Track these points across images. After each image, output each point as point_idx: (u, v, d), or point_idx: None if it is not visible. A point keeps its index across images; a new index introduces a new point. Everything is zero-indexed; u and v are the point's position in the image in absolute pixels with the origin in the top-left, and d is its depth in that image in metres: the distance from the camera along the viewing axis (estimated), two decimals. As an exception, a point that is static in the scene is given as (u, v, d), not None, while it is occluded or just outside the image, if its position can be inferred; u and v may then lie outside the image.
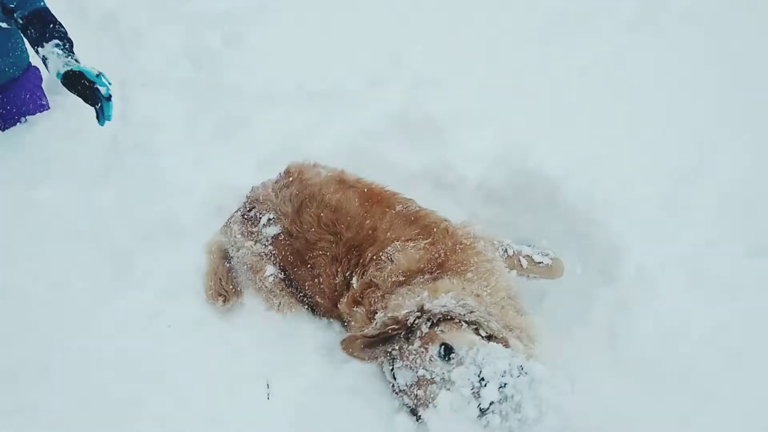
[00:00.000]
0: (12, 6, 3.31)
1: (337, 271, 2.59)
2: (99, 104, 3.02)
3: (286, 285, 2.79)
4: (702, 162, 2.83)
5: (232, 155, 3.40)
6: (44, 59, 3.20)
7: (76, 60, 3.17)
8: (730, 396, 2.21)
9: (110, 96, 3.01)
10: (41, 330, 2.63)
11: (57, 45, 3.17)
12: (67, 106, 3.93)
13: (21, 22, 3.30)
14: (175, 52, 4.21)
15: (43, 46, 3.18)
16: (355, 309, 2.44)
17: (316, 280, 2.65)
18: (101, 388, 2.43)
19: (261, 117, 3.57)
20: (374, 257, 2.50)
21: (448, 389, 2.12)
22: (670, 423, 2.20)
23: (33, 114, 3.77)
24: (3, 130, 3.69)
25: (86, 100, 3.08)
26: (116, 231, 3.05)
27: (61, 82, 3.10)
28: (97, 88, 2.99)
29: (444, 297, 2.27)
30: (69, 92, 3.14)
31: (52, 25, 3.28)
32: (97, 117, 3.07)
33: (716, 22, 3.67)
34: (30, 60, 3.85)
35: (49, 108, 3.88)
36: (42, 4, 3.39)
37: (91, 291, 2.78)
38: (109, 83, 3.03)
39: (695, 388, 2.23)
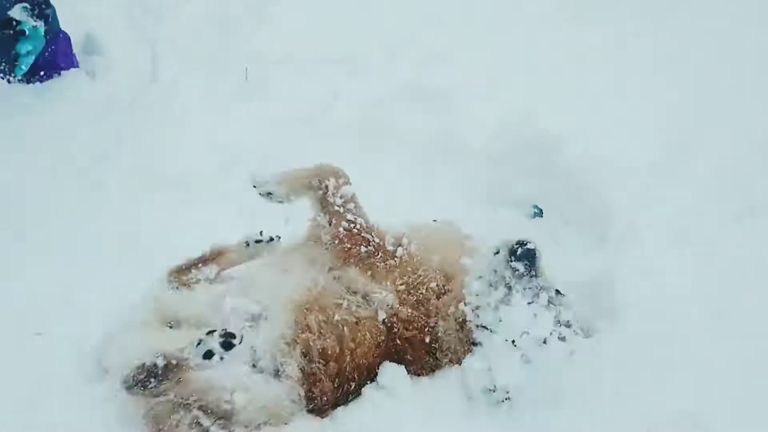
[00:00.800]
0: None
1: None
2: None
3: None
4: (693, 130, 2.95)
5: (250, 117, 3.59)
6: None
7: None
8: (711, 349, 2.32)
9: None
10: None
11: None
12: (97, 65, 4.23)
13: None
14: (201, 21, 4.42)
15: None
16: None
17: None
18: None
19: (279, 82, 3.75)
20: None
21: None
22: (654, 371, 2.30)
23: (66, 70, 4.06)
24: (42, 82, 3.99)
25: None
26: (136, 180, 3.24)
27: None
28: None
29: None
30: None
31: None
32: None
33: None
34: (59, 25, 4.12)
35: (78, 66, 4.17)
36: None
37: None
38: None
39: (678, 341, 2.34)
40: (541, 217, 3.24)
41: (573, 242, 2.88)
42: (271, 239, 2.69)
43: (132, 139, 3.49)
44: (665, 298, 2.42)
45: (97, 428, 2.11)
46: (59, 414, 2.15)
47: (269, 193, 2.54)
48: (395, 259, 2.43)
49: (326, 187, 2.48)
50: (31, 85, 4.02)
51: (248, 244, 2.67)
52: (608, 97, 3.21)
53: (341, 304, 2.31)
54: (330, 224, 2.46)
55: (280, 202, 2.57)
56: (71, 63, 4.18)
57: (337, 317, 2.28)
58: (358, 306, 2.32)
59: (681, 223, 2.65)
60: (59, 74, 4.09)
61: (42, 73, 4.04)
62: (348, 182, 2.53)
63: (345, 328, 2.27)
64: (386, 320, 2.32)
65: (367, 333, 2.29)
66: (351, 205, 2.47)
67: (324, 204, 2.48)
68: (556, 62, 3.52)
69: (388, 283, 2.38)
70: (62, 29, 4.09)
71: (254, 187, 2.56)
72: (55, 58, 4.09)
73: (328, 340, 2.24)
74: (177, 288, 2.47)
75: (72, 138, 3.51)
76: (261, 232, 2.71)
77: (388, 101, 3.56)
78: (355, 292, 2.35)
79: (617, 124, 3.04)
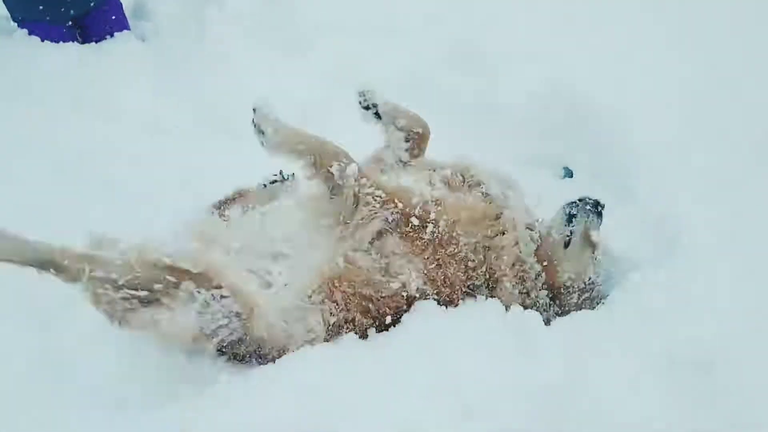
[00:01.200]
0: None
1: None
2: None
3: None
4: (719, 87, 3.06)
5: (298, 73, 3.77)
6: None
7: None
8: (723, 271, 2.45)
9: None
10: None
11: None
12: (147, 29, 4.47)
13: None
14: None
15: None
16: None
17: None
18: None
19: (325, 44, 3.92)
20: None
21: None
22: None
23: (120, 31, 4.32)
24: (97, 42, 4.26)
25: None
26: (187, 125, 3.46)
27: None
28: None
29: None
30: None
31: None
32: None
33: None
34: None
35: (129, 29, 4.42)
36: None
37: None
38: None
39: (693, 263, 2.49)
40: (571, 177, 3.39)
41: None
42: (285, 179, 2.81)
43: (184, 88, 3.69)
44: (691, 246, 2.54)
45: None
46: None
47: (261, 132, 2.35)
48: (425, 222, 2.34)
49: (331, 173, 2.29)
50: (86, 45, 4.29)
51: (265, 186, 2.84)
52: (636, 61, 3.32)
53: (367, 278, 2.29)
54: (353, 205, 2.30)
55: (264, 146, 2.36)
56: (124, 26, 4.44)
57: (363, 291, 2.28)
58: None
59: (708, 180, 2.77)
60: (112, 35, 4.35)
61: (96, 35, 4.31)
62: (351, 161, 2.34)
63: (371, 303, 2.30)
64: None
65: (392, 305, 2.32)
66: (363, 180, 2.31)
67: (337, 189, 2.30)
68: (590, 27, 3.64)
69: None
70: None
71: (253, 110, 2.37)
72: (108, 20, 4.35)
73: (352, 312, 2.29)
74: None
75: (129, 88, 3.73)
76: (280, 172, 2.87)
77: (426, 64, 3.71)
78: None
79: (644, 87, 3.15)
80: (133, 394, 2.19)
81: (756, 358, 2.13)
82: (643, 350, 2.17)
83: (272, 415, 1.98)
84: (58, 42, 4.13)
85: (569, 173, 3.41)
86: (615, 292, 2.50)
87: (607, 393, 2.08)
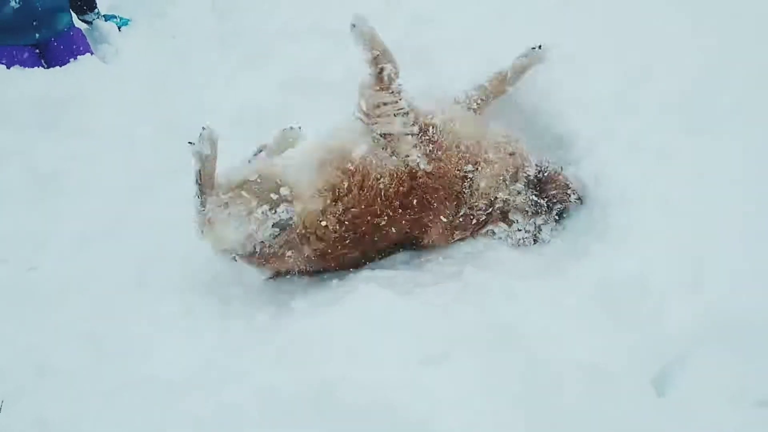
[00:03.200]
0: None
1: None
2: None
3: None
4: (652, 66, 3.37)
5: (255, 82, 4.00)
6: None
7: None
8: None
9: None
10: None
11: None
12: (109, 51, 4.70)
13: None
14: (202, 7, 4.86)
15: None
16: None
17: None
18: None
19: (280, 52, 4.15)
20: None
21: None
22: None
23: (83, 54, 4.56)
24: (61, 66, 4.51)
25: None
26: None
27: None
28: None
29: None
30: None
31: None
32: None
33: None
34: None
35: (93, 52, 4.65)
36: None
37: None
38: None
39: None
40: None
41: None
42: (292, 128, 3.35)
43: (148, 105, 3.91)
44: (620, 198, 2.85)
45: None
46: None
47: (353, 25, 3.13)
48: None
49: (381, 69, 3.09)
50: (51, 69, 4.49)
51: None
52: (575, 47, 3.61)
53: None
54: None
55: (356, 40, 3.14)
56: (87, 49, 4.67)
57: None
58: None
59: (635, 139, 3.08)
60: (76, 59, 4.56)
61: (60, 59, 4.53)
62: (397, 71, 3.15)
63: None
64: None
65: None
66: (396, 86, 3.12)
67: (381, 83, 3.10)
68: (528, 20, 3.92)
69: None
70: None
71: (353, 26, 3.12)
72: (72, 44, 4.58)
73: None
74: None
75: (98, 108, 3.95)
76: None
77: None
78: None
79: (580, 63, 3.45)
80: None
81: (677, 288, 2.45)
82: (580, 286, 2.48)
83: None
84: (24, 67, 4.32)
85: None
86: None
87: (553, 329, 2.36)
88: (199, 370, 2.52)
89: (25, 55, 4.45)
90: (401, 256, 3.18)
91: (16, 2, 4.29)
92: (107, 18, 4.97)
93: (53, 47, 4.58)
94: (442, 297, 2.67)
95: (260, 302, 3.01)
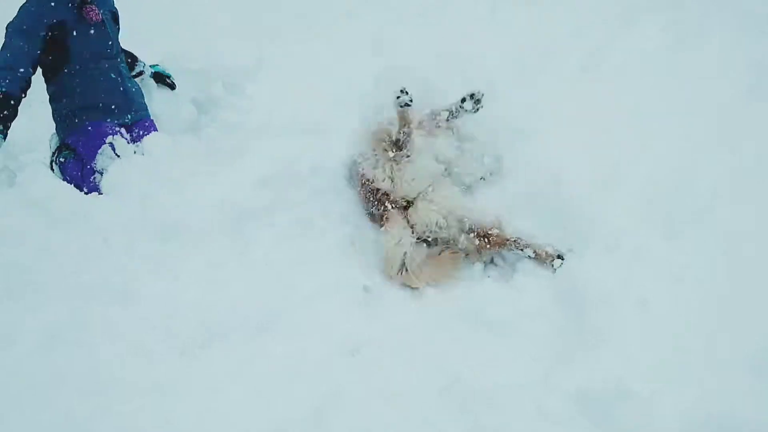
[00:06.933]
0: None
1: None
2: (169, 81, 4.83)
3: None
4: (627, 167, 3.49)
5: (231, 178, 4.00)
6: (139, 73, 4.73)
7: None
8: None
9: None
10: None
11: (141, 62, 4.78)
12: None
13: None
14: (183, 99, 4.93)
15: (135, 65, 4.72)
16: None
17: None
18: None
19: (257, 147, 4.20)
20: None
21: None
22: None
23: None
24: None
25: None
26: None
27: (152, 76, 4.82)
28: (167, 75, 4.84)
29: None
30: None
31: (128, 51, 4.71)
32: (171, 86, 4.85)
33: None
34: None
35: None
36: None
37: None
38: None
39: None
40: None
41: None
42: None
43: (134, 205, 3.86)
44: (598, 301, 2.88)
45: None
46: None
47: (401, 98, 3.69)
48: None
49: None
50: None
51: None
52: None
53: None
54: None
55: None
56: None
57: None
58: None
59: (611, 241, 3.15)
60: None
61: None
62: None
63: None
64: None
65: None
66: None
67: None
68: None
69: None
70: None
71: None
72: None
73: None
74: None
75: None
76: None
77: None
78: None
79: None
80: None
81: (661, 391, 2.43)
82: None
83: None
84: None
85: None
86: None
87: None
88: None
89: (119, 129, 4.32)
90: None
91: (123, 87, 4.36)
92: None
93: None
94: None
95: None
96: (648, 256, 2.96)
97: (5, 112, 3.95)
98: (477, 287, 3.34)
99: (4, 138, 3.99)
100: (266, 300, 3.21)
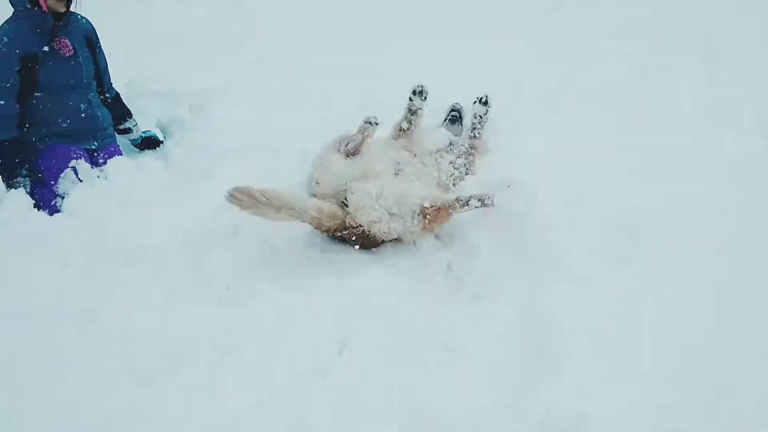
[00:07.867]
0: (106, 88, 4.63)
1: None
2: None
3: None
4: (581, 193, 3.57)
5: (194, 201, 3.95)
6: (127, 129, 4.74)
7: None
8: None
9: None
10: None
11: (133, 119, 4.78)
12: None
13: (109, 101, 4.64)
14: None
15: (126, 120, 4.73)
16: None
17: None
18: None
19: (221, 169, 4.17)
20: None
21: None
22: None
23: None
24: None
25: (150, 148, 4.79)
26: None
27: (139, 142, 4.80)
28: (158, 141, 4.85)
29: None
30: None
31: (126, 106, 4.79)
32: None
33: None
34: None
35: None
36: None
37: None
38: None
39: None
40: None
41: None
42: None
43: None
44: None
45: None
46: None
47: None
48: None
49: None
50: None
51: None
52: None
53: None
54: None
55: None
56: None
57: None
58: None
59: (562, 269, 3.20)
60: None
61: None
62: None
63: None
64: None
65: None
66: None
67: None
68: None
69: None
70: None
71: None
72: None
73: None
74: None
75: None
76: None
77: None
78: None
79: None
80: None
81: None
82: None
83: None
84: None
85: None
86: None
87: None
88: None
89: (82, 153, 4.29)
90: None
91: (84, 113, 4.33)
92: None
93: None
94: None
95: None
96: (604, 283, 3.01)
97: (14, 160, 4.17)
98: (443, 312, 3.34)
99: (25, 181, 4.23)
100: (229, 325, 3.16)
